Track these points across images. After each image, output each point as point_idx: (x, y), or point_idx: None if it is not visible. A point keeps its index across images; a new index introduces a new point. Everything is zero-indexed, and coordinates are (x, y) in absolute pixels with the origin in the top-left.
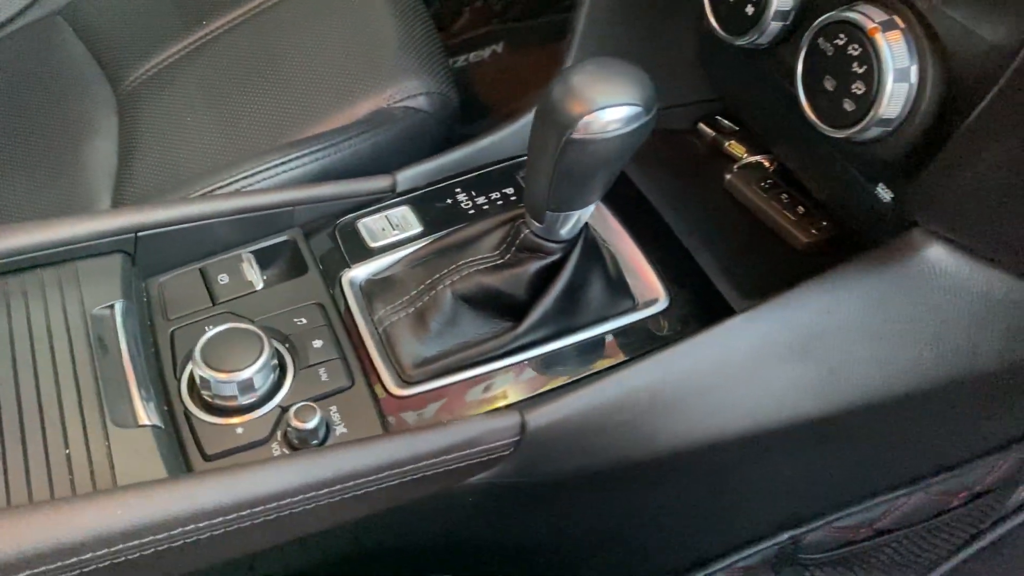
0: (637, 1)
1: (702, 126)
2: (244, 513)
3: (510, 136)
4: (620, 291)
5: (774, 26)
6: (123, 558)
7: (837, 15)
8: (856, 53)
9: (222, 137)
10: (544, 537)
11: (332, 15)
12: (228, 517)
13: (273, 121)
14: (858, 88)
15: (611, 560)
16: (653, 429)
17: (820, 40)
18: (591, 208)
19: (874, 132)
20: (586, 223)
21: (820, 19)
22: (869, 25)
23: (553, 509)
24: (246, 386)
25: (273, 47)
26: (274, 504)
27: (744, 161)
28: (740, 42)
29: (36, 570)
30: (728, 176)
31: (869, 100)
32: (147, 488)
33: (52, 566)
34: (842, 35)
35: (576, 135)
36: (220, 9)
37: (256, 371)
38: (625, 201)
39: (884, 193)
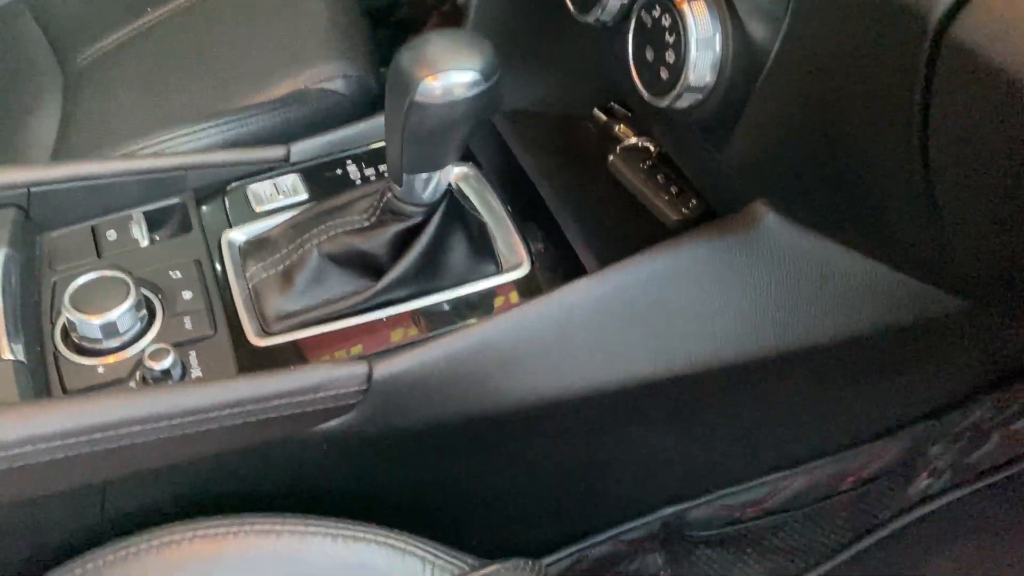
0: None
1: (596, 111)
2: (83, 439)
3: None
4: (484, 256)
5: (613, 3)
6: None
7: None
8: (668, 24)
9: (153, 114)
10: (407, 496)
11: (266, 4)
12: (68, 441)
13: (200, 100)
14: (670, 57)
15: (481, 523)
16: (498, 384)
17: (642, 13)
18: (446, 172)
19: (687, 99)
20: (453, 191)
21: None
22: None
23: (410, 464)
24: (110, 329)
25: (207, 33)
26: (113, 432)
27: (627, 143)
28: (587, 19)
29: None
30: (611, 157)
31: (679, 68)
32: None
33: None
34: (658, 7)
35: (418, 99)
36: None
37: (119, 315)
38: (507, 176)
39: (733, 176)
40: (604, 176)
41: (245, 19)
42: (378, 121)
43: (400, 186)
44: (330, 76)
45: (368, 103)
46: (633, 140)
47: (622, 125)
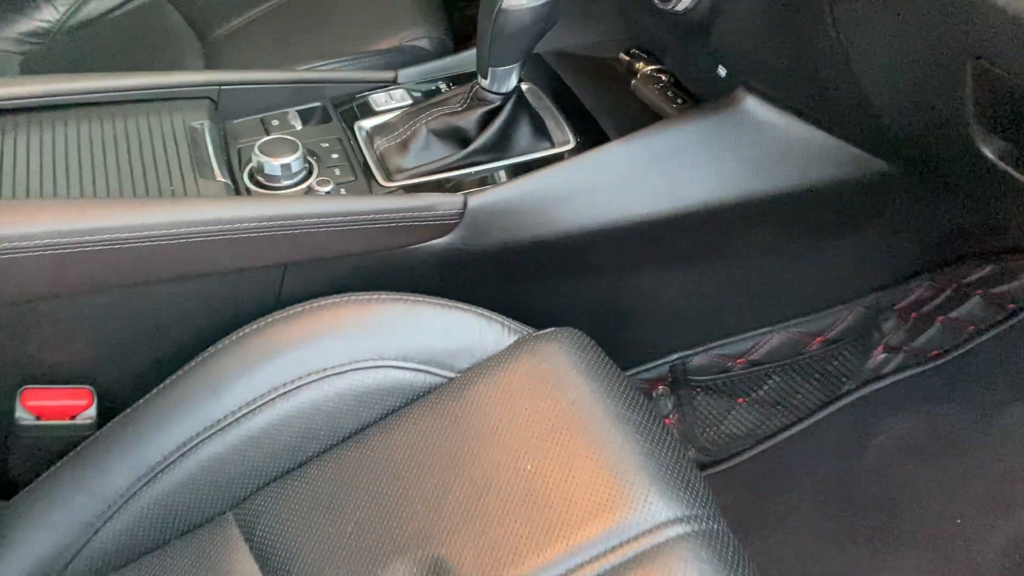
0: None
1: (622, 55)
2: (274, 223)
3: None
4: (542, 135)
5: None
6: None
7: None
8: None
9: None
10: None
11: None
12: (262, 224)
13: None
14: None
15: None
16: (554, 215)
17: None
18: (516, 70)
19: (684, 3)
20: (523, 91)
21: None
22: None
23: (491, 279)
24: (286, 169)
25: (320, 11)
26: (292, 222)
27: (645, 71)
28: None
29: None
30: (633, 81)
31: None
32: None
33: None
34: None
35: (504, 6)
36: None
37: (293, 159)
38: (558, 93)
39: (721, 71)
40: (628, 95)
41: (341, 10)
42: (453, 60)
43: (485, 79)
44: (418, 36)
45: (444, 55)
46: (649, 69)
47: (641, 63)
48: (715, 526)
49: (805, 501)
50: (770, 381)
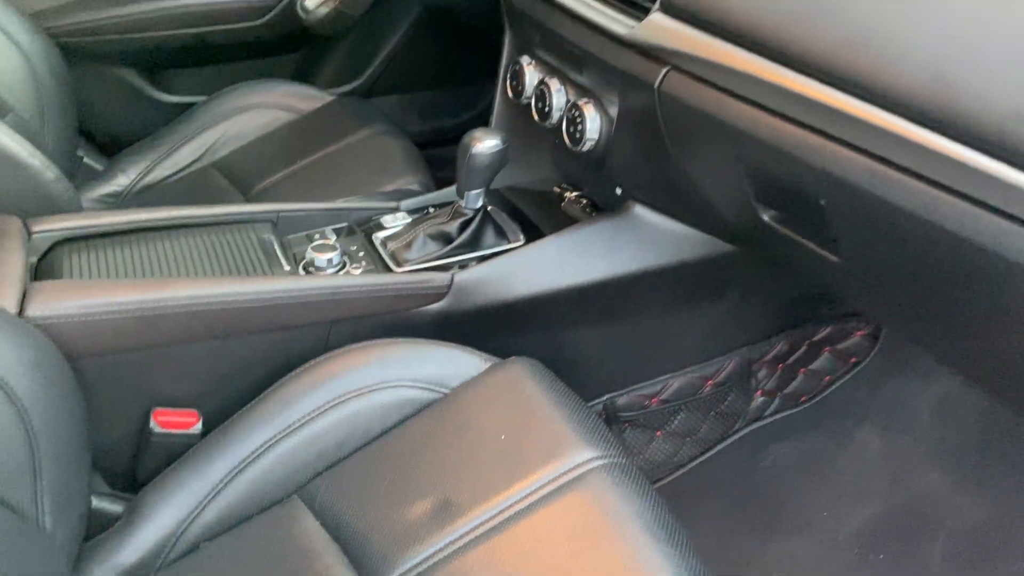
0: (523, 114)
1: (555, 188)
2: (324, 291)
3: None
4: (501, 235)
5: (556, 115)
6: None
7: (575, 102)
8: (578, 115)
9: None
10: None
11: (371, 151)
12: (314, 291)
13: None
14: (580, 128)
15: None
16: (512, 287)
17: (569, 113)
18: (483, 190)
19: (588, 145)
20: (488, 209)
21: (569, 104)
22: (581, 102)
23: (472, 335)
24: (329, 262)
25: (339, 167)
26: (333, 290)
27: (571, 196)
28: (545, 124)
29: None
30: (563, 204)
31: (583, 131)
32: (279, 276)
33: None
34: (574, 110)
35: (473, 152)
36: None
37: (333, 255)
38: (512, 211)
39: (618, 190)
40: (560, 212)
41: (364, 158)
42: (435, 194)
43: (462, 199)
44: (411, 182)
45: (429, 192)
46: (574, 195)
47: (568, 191)
48: (621, 460)
49: (712, 509)
50: (679, 416)
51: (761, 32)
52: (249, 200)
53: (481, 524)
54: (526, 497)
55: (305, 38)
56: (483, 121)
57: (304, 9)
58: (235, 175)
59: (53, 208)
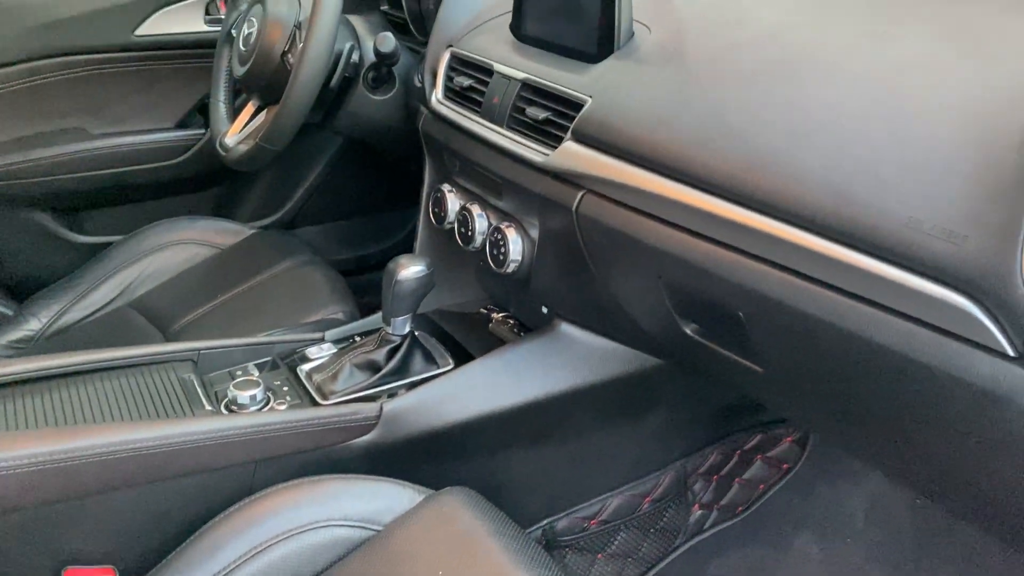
0: (446, 238)
1: (481, 309)
2: (247, 430)
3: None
4: (430, 361)
5: (479, 239)
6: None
7: (497, 226)
8: (501, 237)
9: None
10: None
11: (294, 282)
12: (237, 431)
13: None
14: (503, 250)
15: None
16: (443, 413)
17: (491, 236)
18: (409, 316)
19: (511, 267)
20: (415, 334)
21: (492, 228)
22: (503, 225)
23: (404, 465)
24: (252, 398)
25: (262, 300)
26: (258, 428)
27: (498, 317)
28: (469, 248)
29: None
30: (490, 325)
31: (506, 254)
32: (200, 417)
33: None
34: (496, 233)
35: (399, 278)
36: None
37: (256, 391)
38: (439, 335)
39: (544, 309)
40: (488, 333)
41: (286, 290)
42: (361, 323)
43: (389, 326)
44: (335, 311)
45: (355, 321)
46: (501, 315)
47: (495, 312)
48: None
49: None
50: (619, 537)
51: (667, 156)
52: (169, 339)
53: None
54: None
55: (225, 173)
56: (406, 247)
57: (223, 147)
58: (153, 314)
59: None
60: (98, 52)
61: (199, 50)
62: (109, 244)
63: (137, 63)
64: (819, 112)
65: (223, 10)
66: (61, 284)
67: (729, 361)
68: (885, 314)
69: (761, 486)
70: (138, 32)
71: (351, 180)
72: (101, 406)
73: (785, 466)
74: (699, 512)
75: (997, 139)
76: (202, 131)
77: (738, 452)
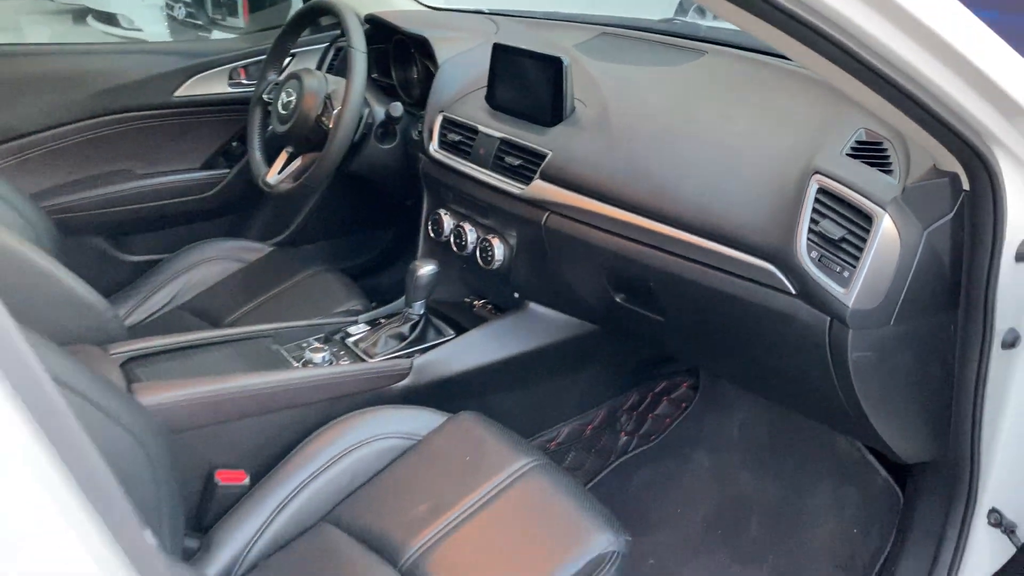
0: (439, 248)
1: (465, 299)
2: (317, 377)
3: None
4: (439, 332)
5: (471, 245)
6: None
7: (485, 237)
8: (488, 245)
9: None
10: None
11: (310, 285)
12: (314, 379)
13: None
14: (490, 252)
15: None
16: (449, 365)
17: (481, 243)
18: (424, 300)
19: (496, 264)
20: (429, 315)
21: (480, 239)
22: (490, 236)
23: (432, 398)
24: (322, 359)
25: (281, 310)
26: (328, 379)
27: (479, 303)
28: (463, 253)
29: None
30: (474, 309)
31: (493, 253)
32: (290, 370)
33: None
34: (486, 240)
35: (419, 274)
36: None
37: (325, 353)
38: (442, 317)
39: (516, 295)
40: (474, 315)
41: (311, 291)
42: (380, 311)
43: (411, 308)
44: (355, 304)
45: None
46: (482, 302)
47: (477, 301)
48: (546, 462)
49: None
50: (570, 455)
51: (603, 189)
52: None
53: (460, 515)
54: (488, 492)
55: (239, 203)
56: (385, 259)
57: (267, 184)
58: (204, 313)
59: (105, 335)
60: (145, 110)
61: (223, 107)
62: (152, 261)
63: (174, 118)
64: (691, 161)
65: (243, 76)
66: (123, 292)
67: (644, 317)
68: (731, 276)
69: (668, 420)
70: (176, 94)
71: (341, 204)
72: (227, 363)
73: (684, 404)
74: (625, 438)
75: (785, 177)
76: (224, 171)
77: (651, 394)
